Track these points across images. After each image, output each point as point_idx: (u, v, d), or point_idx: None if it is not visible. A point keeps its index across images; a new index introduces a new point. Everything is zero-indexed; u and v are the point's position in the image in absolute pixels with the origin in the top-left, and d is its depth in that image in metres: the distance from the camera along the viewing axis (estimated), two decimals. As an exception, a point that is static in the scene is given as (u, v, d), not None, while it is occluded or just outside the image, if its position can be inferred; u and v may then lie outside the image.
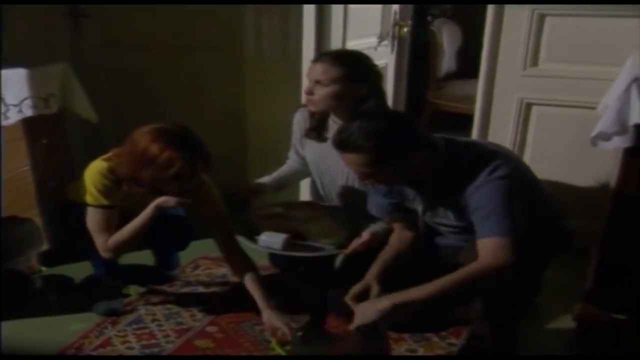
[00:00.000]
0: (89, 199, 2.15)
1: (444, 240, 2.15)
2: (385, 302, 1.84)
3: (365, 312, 1.85)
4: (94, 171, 2.16)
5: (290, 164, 2.62)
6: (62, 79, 2.66)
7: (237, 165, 3.20)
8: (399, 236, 2.18)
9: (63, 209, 2.38)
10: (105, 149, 2.24)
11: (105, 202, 2.15)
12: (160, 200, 2.13)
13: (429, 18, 4.66)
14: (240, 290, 2.39)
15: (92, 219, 2.17)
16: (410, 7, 3.74)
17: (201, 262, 2.79)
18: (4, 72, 2.37)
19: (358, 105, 2.27)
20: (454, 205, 1.95)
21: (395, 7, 3.53)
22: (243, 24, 3.10)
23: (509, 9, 2.68)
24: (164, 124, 2.10)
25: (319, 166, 2.53)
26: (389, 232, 2.20)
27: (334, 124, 2.38)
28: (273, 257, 2.49)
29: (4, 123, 2.38)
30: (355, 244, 2.21)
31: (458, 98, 4.26)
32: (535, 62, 2.68)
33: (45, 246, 2.66)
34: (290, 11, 3.00)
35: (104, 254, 2.19)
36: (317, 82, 2.28)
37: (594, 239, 2.26)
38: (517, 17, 2.65)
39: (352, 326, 1.85)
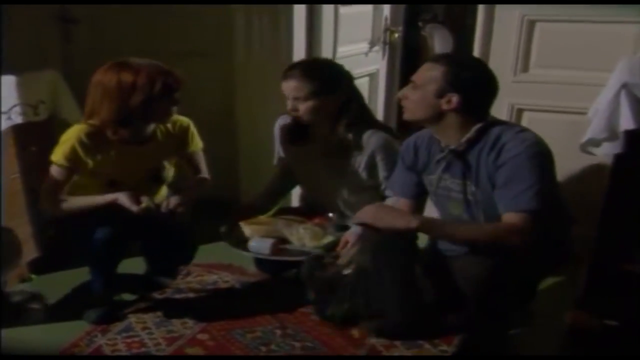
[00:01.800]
0: (55, 156, 2.16)
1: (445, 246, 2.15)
2: (413, 216, 1.95)
3: (390, 215, 1.91)
4: (73, 128, 2.18)
5: (277, 174, 2.62)
6: (51, 85, 2.65)
7: (228, 171, 3.19)
8: None
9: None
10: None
11: (67, 162, 2.14)
12: (123, 199, 2.13)
13: (420, 23, 4.67)
14: (232, 298, 2.38)
15: (51, 172, 2.18)
16: (401, 13, 3.75)
17: (193, 269, 2.77)
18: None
19: (341, 112, 2.29)
20: (480, 174, 1.95)
21: (386, 13, 3.54)
22: (233, 29, 3.10)
23: (499, 14, 2.68)
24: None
25: (303, 171, 2.53)
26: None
27: (315, 129, 2.39)
28: (260, 262, 2.49)
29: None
30: (344, 247, 2.20)
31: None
32: (525, 68, 2.69)
33: (35, 253, 2.64)
34: (281, 17, 3.00)
35: (43, 201, 2.21)
36: (295, 98, 2.30)
37: (586, 244, 2.26)
38: (507, 23, 2.65)
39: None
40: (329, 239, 2.27)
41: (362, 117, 2.38)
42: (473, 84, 1.94)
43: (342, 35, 3.21)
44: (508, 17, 2.65)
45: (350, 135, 2.31)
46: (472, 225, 1.99)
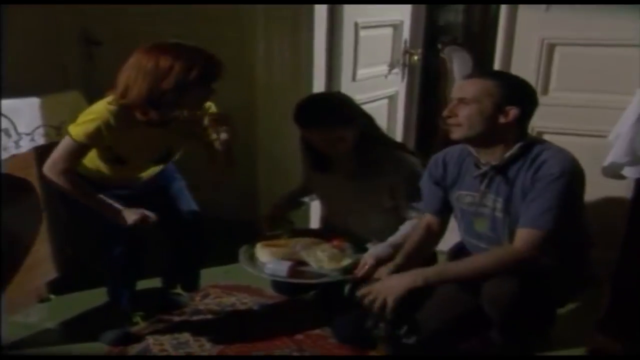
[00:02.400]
0: (73, 130, 2.09)
1: None
2: (412, 275, 1.87)
3: (393, 285, 1.86)
4: (99, 105, 2.11)
5: (301, 187, 2.63)
6: (73, 106, 2.66)
7: (247, 193, 3.20)
8: (426, 234, 2.18)
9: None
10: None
11: (87, 140, 2.08)
12: (130, 217, 2.13)
13: (439, 45, 4.67)
14: (250, 320, 2.37)
15: (64, 145, 2.12)
16: (421, 35, 3.76)
17: (211, 290, 2.78)
18: (16, 101, 2.40)
19: (361, 137, 2.29)
20: (514, 190, 1.93)
21: (406, 35, 3.56)
22: (254, 52, 3.12)
23: (518, 37, 2.68)
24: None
25: (326, 194, 2.56)
26: (391, 255, 2.19)
27: (339, 157, 2.38)
28: (276, 284, 2.48)
29: (16, 152, 2.40)
30: (362, 269, 2.18)
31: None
32: (545, 91, 2.67)
33: (54, 274, 2.66)
34: (301, 39, 3.02)
35: (47, 171, 2.12)
36: (325, 140, 2.27)
37: (607, 267, 2.22)
38: (527, 46, 2.65)
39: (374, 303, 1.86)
40: (347, 261, 2.25)
41: (381, 139, 2.38)
42: (528, 96, 1.94)
43: (362, 57, 3.23)
44: (528, 41, 2.64)
45: (371, 158, 2.31)
46: (475, 258, 1.96)
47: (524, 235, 1.84)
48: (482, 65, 4.51)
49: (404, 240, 2.21)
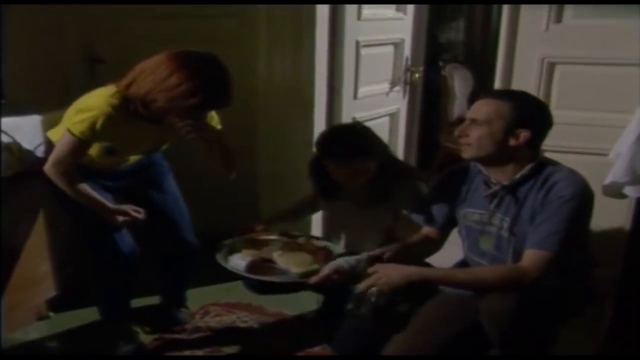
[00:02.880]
0: (73, 126, 2.04)
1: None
2: (413, 269, 1.87)
3: (390, 273, 1.86)
4: (99, 97, 2.05)
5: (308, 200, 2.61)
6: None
7: (247, 214, 3.20)
8: (424, 240, 2.19)
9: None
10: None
11: (87, 136, 2.03)
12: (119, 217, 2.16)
13: (440, 63, 4.70)
14: (250, 338, 2.35)
15: (65, 142, 2.07)
16: (421, 53, 3.78)
17: (211, 308, 2.77)
18: (18, 119, 2.41)
19: (376, 172, 2.28)
20: (523, 210, 1.93)
21: (407, 53, 3.57)
22: (255, 72, 3.14)
23: (519, 56, 2.69)
24: (192, 49, 2.03)
25: (334, 217, 2.54)
26: (356, 268, 2.11)
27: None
28: (246, 280, 2.44)
29: (19, 169, 2.40)
30: (318, 277, 2.09)
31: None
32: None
33: (53, 292, 2.65)
34: (303, 58, 3.03)
35: (48, 169, 2.10)
36: (347, 173, 2.26)
37: (609, 284, 2.21)
38: (527, 65, 2.65)
39: (371, 286, 1.86)
40: (314, 267, 2.22)
41: (395, 168, 2.36)
42: (540, 119, 1.94)
43: (363, 76, 3.25)
44: (528, 59, 2.65)
45: (385, 189, 2.31)
46: (480, 269, 1.97)
47: (531, 256, 1.84)
48: (483, 82, 4.52)
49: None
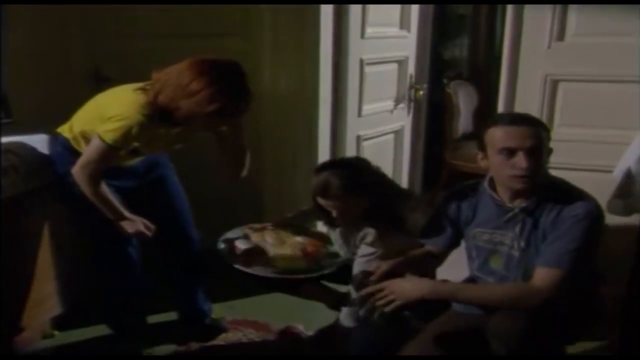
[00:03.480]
0: (108, 134, 2.08)
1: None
2: (425, 282, 1.91)
3: (404, 286, 1.89)
4: (130, 107, 2.09)
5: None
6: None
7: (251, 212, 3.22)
8: (426, 255, 2.20)
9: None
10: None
11: (120, 144, 2.10)
12: (130, 227, 2.23)
13: (444, 80, 4.71)
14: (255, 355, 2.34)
15: (97, 148, 2.12)
16: (426, 70, 3.80)
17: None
18: (24, 138, 2.44)
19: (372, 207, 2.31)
20: (535, 230, 1.93)
21: (411, 71, 3.59)
22: (260, 89, 3.15)
23: (522, 73, 2.69)
24: (212, 56, 2.10)
25: (337, 244, 2.54)
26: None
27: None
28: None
29: (26, 188, 2.41)
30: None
31: (475, 159, 4.25)
32: (550, 127, 2.67)
33: (58, 310, 2.65)
34: (307, 76, 3.05)
35: (76, 172, 2.16)
36: (339, 208, 2.29)
37: (616, 303, 2.20)
38: (531, 82, 2.66)
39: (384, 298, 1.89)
40: (294, 265, 2.26)
41: (392, 201, 2.36)
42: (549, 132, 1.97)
43: (368, 93, 3.26)
44: (531, 76, 2.65)
45: (379, 223, 2.32)
46: (493, 286, 1.97)
47: (542, 275, 1.84)
48: (487, 99, 4.53)
49: None
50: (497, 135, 1.91)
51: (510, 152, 1.87)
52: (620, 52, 2.47)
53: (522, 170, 1.85)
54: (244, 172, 2.34)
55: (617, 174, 2.24)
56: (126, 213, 2.24)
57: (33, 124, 2.57)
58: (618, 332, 2.18)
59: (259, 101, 3.12)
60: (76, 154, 2.22)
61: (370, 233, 2.31)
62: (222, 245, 2.37)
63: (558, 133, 2.66)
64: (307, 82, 3.05)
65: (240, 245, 2.35)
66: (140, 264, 2.48)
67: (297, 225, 2.54)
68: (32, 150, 2.46)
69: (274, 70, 3.11)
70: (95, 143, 2.12)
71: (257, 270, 2.23)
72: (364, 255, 2.30)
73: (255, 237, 2.40)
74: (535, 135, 1.89)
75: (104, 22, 3.22)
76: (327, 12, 2.97)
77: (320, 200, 2.30)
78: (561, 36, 2.57)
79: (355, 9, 3.04)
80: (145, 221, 2.27)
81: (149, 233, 2.27)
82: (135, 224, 2.26)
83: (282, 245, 2.37)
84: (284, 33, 3.06)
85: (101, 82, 3.39)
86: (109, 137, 2.08)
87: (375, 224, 2.31)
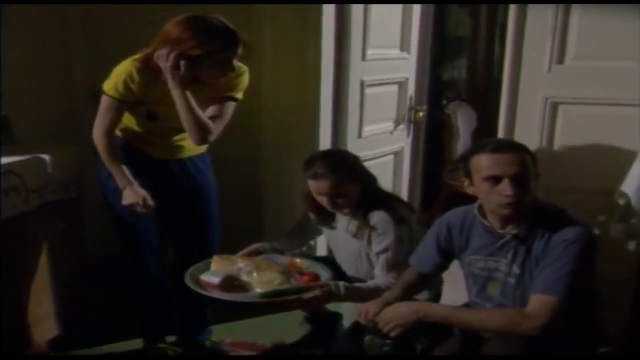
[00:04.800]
0: (106, 86, 2.24)
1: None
2: (419, 305, 1.95)
3: (400, 311, 1.93)
4: (126, 62, 2.23)
5: (302, 220, 2.64)
6: (82, 164, 2.70)
7: (252, 227, 3.20)
8: (409, 286, 2.18)
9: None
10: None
11: (118, 94, 2.21)
12: (128, 197, 2.28)
13: (444, 101, 4.72)
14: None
15: (102, 104, 2.26)
16: (425, 92, 3.81)
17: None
18: (26, 158, 2.43)
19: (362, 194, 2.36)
20: (529, 256, 1.92)
21: (411, 92, 3.60)
22: (260, 110, 3.16)
23: (523, 96, 2.70)
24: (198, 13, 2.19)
25: (332, 244, 2.61)
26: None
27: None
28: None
29: (26, 209, 2.40)
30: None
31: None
32: (550, 149, 2.68)
33: (55, 332, 2.63)
34: (308, 98, 3.06)
35: (94, 133, 2.29)
36: (333, 195, 2.32)
37: (617, 328, 2.19)
38: (531, 105, 2.67)
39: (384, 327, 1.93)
40: (280, 288, 2.20)
41: (381, 200, 2.40)
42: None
43: (368, 115, 3.27)
44: (532, 99, 2.66)
45: (362, 216, 2.34)
46: (488, 312, 1.95)
47: (536, 302, 1.82)
48: (486, 120, 4.55)
49: (366, 291, 2.23)
50: (482, 163, 1.91)
51: (496, 180, 1.86)
52: (619, 76, 2.48)
53: (508, 198, 1.85)
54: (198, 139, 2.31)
55: (618, 197, 2.23)
56: (134, 184, 2.28)
57: (35, 145, 2.57)
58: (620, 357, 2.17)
59: (258, 120, 3.17)
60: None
61: (378, 216, 2.31)
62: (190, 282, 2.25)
63: (559, 155, 2.67)
64: (309, 103, 3.06)
65: (211, 279, 2.24)
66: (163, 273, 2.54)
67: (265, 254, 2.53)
68: (34, 170, 2.45)
69: (275, 91, 3.12)
70: (102, 100, 2.26)
71: (238, 297, 2.18)
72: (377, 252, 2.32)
73: (223, 265, 2.33)
74: (520, 162, 1.88)
75: (104, 40, 3.23)
76: (329, 34, 2.99)
77: (312, 184, 2.33)
78: (561, 59, 2.58)
79: (357, 31, 3.06)
80: (147, 197, 2.29)
81: (141, 209, 2.28)
82: (134, 196, 2.27)
83: (260, 270, 2.29)
84: (285, 55, 3.07)
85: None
86: (108, 88, 2.23)
87: (363, 219, 2.33)
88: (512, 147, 1.94)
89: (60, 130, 3.08)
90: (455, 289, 2.28)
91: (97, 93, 2.18)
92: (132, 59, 2.23)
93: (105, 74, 2.26)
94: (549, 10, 2.54)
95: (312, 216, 2.54)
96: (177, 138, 2.38)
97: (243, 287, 2.21)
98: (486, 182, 1.88)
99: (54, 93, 3.12)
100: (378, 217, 2.32)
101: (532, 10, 2.59)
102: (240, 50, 2.21)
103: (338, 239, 2.50)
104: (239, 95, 2.37)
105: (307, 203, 2.46)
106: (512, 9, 2.65)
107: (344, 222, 2.42)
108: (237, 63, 2.28)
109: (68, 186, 2.61)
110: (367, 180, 2.41)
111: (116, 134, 2.33)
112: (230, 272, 2.25)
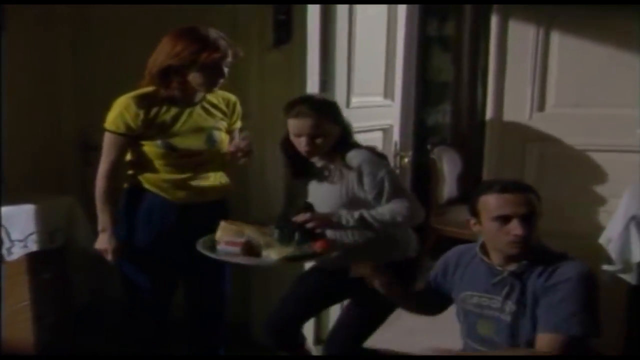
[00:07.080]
0: (107, 122, 2.23)
1: None
2: None
3: None
4: (122, 98, 2.23)
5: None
6: (68, 213, 2.69)
7: (239, 297, 3.16)
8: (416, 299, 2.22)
9: None
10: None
11: (119, 129, 2.20)
12: (100, 242, 2.25)
13: (428, 146, 4.77)
14: None
15: (105, 141, 2.25)
16: (410, 137, 3.85)
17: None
18: (10, 208, 2.42)
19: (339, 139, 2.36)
20: (525, 294, 1.91)
21: (396, 138, 3.64)
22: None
23: (505, 141, 2.75)
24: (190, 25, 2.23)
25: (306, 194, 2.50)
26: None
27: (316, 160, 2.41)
28: None
29: (9, 259, 2.39)
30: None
31: (461, 224, 4.25)
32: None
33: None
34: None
35: (98, 174, 2.27)
36: (312, 135, 2.29)
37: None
38: (516, 150, 2.71)
39: None
40: (290, 251, 2.17)
41: (353, 143, 2.40)
42: None
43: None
44: (514, 144, 2.71)
45: (341, 159, 2.33)
46: (499, 353, 1.94)
47: (547, 341, 1.82)
48: (470, 164, 4.59)
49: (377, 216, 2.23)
50: (491, 203, 1.93)
51: (505, 219, 1.89)
52: (599, 122, 2.54)
53: (517, 237, 1.87)
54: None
55: (603, 242, 2.26)
56: (110, 230, 2.24)
57: (20, 194, 2.57)
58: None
59: (244, 175, 3.16)
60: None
61: (360, 155, 2.30)
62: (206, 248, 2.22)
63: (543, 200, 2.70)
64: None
65: (236, 239, 2.20)
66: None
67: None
68: (18, 220, 2.45)
69: (258, 142, 3.12)
70: (104, 138, 2.25)
71: (262, 261, 2.16)
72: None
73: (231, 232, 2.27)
74: (528, 201, 1.91)
75: (93, 90, 3.25)
76: (313, 81, 3.02)
77: (293, 123, 2.30)
78: (541, 107, 2.64)
79: (340, 80, 3.10)
80: (116, 249, 2.24)
81: (108, 258, 2.25)
82: (105, 242, 2.24)
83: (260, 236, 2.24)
84: (270, 104, 3.08)
85: (89, 151, 3.41)
86: (108, 124, 2.22)
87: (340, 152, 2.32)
88: (520, 188, 1.96)
89: (46, 180, 3.07)
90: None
91: (86, 140, 2.22)
92: (129, 94, 2.24)
93: (95, 123, 2.27)
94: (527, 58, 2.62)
95: (286, 174, 2.51)
96: (201, 175, 2.36)
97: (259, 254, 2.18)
98: (495, 222, 1.91)
99: (40, 143, 3.12)
100: (361, 157, 2.31)
101: (511, 56, 2.66)
102: (230, 54, 2.22)
103: (312, 190, 2.42)
104: (239, 124, 2.48)
105: (282, 149, 2.43)
106: (492, 54, 2.72)
107: (318, 171, 2.39)
108: (226, 94, 2.39)
109: (54, 235, 2.59)
110: (345, 125, 2.40)
111: (138, 180, 2.31)
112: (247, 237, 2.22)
